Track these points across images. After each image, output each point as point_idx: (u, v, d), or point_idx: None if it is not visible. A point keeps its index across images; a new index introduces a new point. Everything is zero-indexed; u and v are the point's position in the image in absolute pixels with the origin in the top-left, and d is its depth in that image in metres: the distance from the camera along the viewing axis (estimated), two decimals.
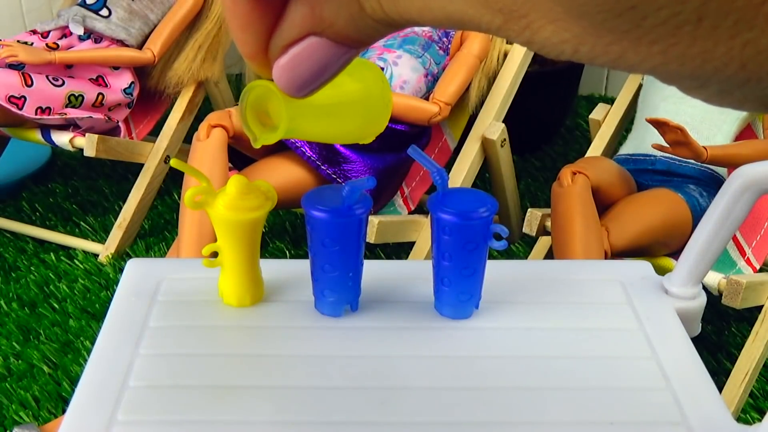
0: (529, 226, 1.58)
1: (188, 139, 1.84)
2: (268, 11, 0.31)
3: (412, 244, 1.78)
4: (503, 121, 1.83)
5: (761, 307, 1.48)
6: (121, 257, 1.93)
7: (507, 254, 1.96)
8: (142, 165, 1.98)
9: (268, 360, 0.77)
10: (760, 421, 0.94)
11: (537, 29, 0.25)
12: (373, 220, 1.62)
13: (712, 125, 1.63)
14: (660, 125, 1.43)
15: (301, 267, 0.87)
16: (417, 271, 0.91)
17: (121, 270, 1.25)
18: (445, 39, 1.78)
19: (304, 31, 0.31)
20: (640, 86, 1.84)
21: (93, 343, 0.79)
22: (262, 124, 0.46)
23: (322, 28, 0.30)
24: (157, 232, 2.05)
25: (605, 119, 1.84)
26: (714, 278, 1.42)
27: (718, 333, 1.72)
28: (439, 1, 0.26)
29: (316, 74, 0.32)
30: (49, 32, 1.93)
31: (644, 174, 1.63)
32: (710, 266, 0.88)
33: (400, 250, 1.98)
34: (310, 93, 0.34)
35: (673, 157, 1.59)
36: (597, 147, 1.82)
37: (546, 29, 0.25)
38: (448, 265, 0.80)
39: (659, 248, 1.52)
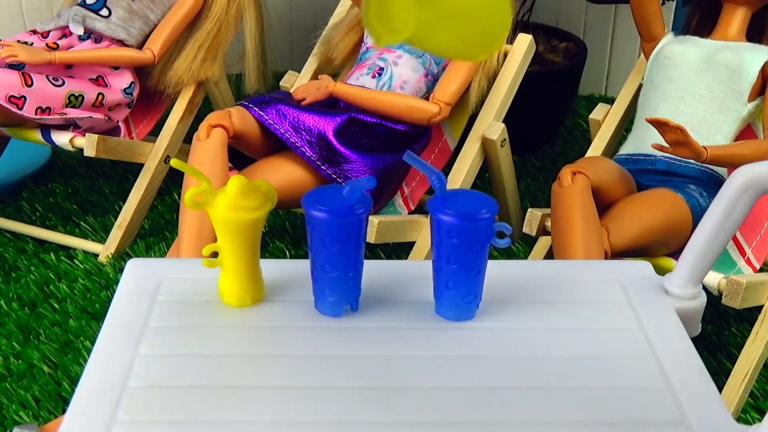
0: (529, 226, 1.58)
1: (188, 139, 1.84)
2: None
3: (412, 244, 1.78)
4: (503, 121, 1.83)
5: (761, 307, 1.48)
6: (121, 257, 1.93)
7: (507, 254, 1.96)
8: (142, 165, 1.98)
9: (268, 360, 0.77)
10: (760, 421, 0.94)
11: None
12: (373, 220, 1.62)
13: (711, 125, 1.63)
14: (660, 125, 1.43)
15: (301, 267, 0.87)
16: (417, 271, 0.91)
17: (121, 270, 1.25)
18: None
19: None
20: (640, 86, 1.84)
21: (93, 343, 0.79)
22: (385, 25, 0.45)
23: None
24: (157, 232, 2.05)
25: (605, 119, 1.84)
26: (714, 278, 1.42)
27: (718, 333, 1.72)
28: None
29: None
30: (49, 32, 1.93)
31: (644, 174, 1.63)
32: (710, 266, 0.88)
33: (400, 250, 1.98)
34: None
35: (673, 157, 1.59)
36: (597, 147, 1.82)
37: None
38: (455, 268, 0.80)
39: (659, 248, 1.52)
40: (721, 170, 1.62)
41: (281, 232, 2.06)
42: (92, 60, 1.89)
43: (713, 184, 1.60)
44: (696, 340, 0.83)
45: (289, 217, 2.10)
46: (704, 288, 1.10)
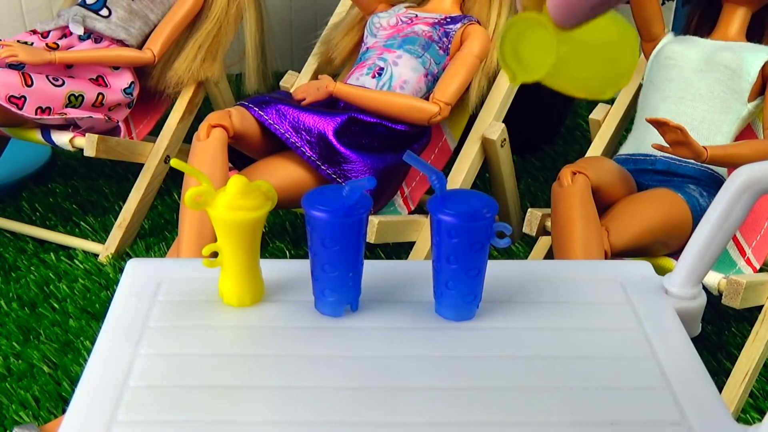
0: (529, 226, 1.58)
1: (188, 139, 1.83)
2: None
3: (412, 244, 1.78)
4: (503, 121, 1.83)
5: (761, 307, 1.48)
6: (121, 257, 1.93)
7: (507, 254, 1.96)
8: (142, 165, 1.98)
9: (268, 360, 0.77)
10: (760, 421, 0.94)
11: None
12: (373, 220, 1.62)
13: (711, 125, 1.63)
14: (660, 125, 1.43)
15: (301, 267, 0.87)
16: (417, 271, 0.91)
17: (121, 270, 1.25)
18: (445, 39, 1.78)
19: None
20: (640, 86, 1.84)
21: (93, 343, 0.79)
22: (518, 62, 0.45)
23: None
24: (157, 232, 2.05)
25: (605, 119, 1.84)
26: (714, 278, 1.42)
27: (718, 333, 1.72)
28: None
29: (595, 2, 0.31)
30: (49, 32, 1.93)
31: (644, 174, 1.63)
32: (710, 266, 0.88)
33: (400, 250, 1.98)
34: (580, 23, 0.32)
35: (673, 157, 1.59)
36: (597, 147, 1.82)
37: None
38: (455, 268, 0.80)
39: (659, 248, 1.52)
40: (721, 170, 1.62)
41: (281, 232, 2.06)
42: (92, 60, 1.89)
43: (713, 184, 1.60)
44: (696, 340, 0.83)
45: (289, 217, 2.10)
46: (704, 288, 1.10)
